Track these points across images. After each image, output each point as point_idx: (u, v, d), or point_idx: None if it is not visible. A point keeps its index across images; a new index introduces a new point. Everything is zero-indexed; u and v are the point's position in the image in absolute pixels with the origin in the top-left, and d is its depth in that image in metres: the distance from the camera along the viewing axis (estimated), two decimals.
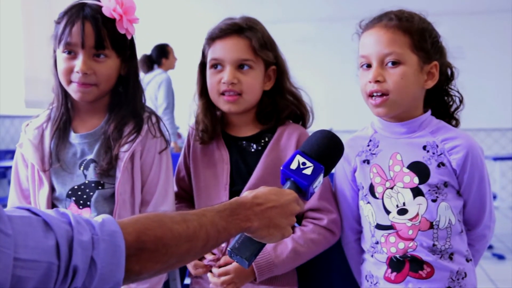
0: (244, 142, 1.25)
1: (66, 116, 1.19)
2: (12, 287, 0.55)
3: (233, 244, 0.83)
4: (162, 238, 0.68)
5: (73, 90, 1.14)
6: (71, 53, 1.12)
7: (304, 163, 0.88)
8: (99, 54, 1.13)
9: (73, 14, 1.12)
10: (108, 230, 0.63)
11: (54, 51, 1.17)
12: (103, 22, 1.11)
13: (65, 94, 1.18)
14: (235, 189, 1.22)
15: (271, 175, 1.19)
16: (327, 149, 0.90)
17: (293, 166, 0.88)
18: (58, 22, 1.14)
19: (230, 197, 1.20)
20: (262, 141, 1.24)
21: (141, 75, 4.22)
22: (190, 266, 1.22)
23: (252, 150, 1.24)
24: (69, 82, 1.14)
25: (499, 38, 5.01)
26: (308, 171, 0.87)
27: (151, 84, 4.20)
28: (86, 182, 1.16)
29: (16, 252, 0.55)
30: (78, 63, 1.11)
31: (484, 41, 4.93)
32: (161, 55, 4.35)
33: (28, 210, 0.61)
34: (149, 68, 4.31)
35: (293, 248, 1.16)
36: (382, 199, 1.12)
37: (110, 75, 1.15)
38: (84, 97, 1.14)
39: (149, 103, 4.17)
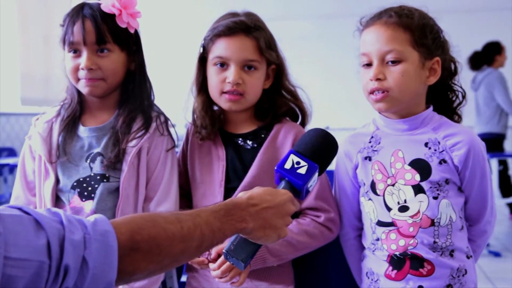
0: (240, 139, 1.25)
1: (77, 112, 1.22)
2: (2, 286, 0.54)
3: (228, 246, 0.82)
4: (155, 238, 0.67)
5: (82, 86, 1.18)
6: (76, 52, 1.16)
7: (298, 163, 0.87)
8: (101, 49, 1.16)
9: (73, 15, 1.16)
10: (100, 229, 0.63)
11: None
12: (103, 18, 1.15)
13: (78, 93, 1.22)
14: (230, 186, 1.21)
15: (267, 172, 1.18)
16: (321, 148, 0.90)
17: (287, 165, 0.87)
18: (62, 25, 1.18)
19: (226, 194, 1.20)
20: (259, 138, 1.24)
21: (471, 74, 4.12)
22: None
23: (248, 147, 1.24)
24: (77, 79, 1.18)
25: (496, 36, 5.01)
26: (302, 171, 0.87)
27: (484, 83, 4.09)
28: (92, 174, 1.17)
29: (6, 250, 0.55)
30: (83, 60, 1.15)
31: (480, 39, 4.93)
32: (494, 52, 4.20)
33: (20, 209, 0.60)
34: (475, 66, 4.16)
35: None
36: (383, 196, 1.12)
37: (115, 69, 1.18)
38: (92, 91, 1.18)
39: (487, 103, 4.05)
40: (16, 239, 0.56)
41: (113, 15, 1.16)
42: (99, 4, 1.16)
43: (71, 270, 0.58)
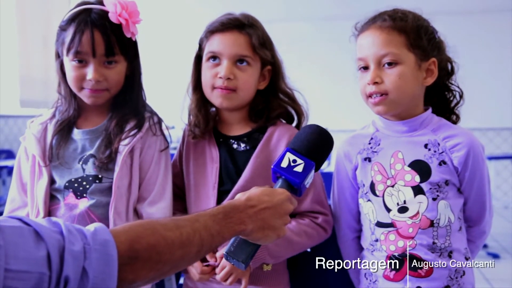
0: (233, 141, 1.24)
1: (73, 117, 1.21)
2: None
3: (228, 247, 0.83)
4: (155, 246, 0.68)
5: (85, 96, 1.17)
6: (82, 61, 1.13)
7: (294, 161, 0.87)
8: (110, 61, 1.14)
9: (81, 22, 1.12)
10: (100, 239, 0.63)
11: (59, 56, 1.18)
12: (111, 29, 1.13)
13: (74, 97, 1.21)
14: (223, 189, 1.21)
15: (260, 176, 1.18)
16: (316, 145, 0.90)
17: (284, 164, 0.87)
18: (63, 29, 1.15)
19: (219, 197, 1.20)
20: (252, 140, 1.23)
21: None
22: (194, 273, 1.18)
23: (241, 149, 1.23)
24: (81, 88, 1.16)
25: (494, 37, 5.03)
26: (299, 168, 0.87)
27: None
28: (84, 175, 1.17)
29: (7, 263, 0.55)
30: (90, 71, 1.13)
31: (478, 40, 4.94)
32: None
33: (20, 220, 0.60)
34: None
35: (287, 235, 1.14)
36: (383, 197, 1.12)
37: (120, 80, 1.18)
38: (96, 102, 1.18)
39: None
40: (16, 251, 0.56)
41: (120, 25, 1.14)
42: (105, 12, 1.13)
43: (71, 281, 0.59)
